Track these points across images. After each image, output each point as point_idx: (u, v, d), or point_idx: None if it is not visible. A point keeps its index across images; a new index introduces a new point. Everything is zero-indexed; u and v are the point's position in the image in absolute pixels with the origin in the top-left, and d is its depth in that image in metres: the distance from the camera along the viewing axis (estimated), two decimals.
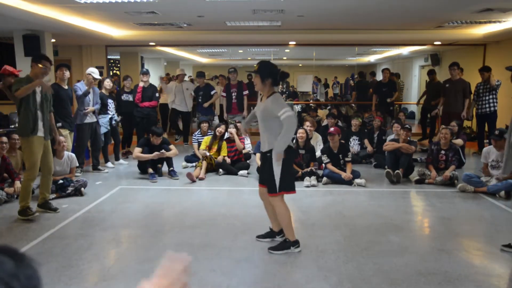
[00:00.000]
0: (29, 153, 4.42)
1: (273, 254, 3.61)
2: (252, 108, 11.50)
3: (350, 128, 7.98)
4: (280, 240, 3.77)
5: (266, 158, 3.58)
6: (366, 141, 7.69)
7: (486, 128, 8.45)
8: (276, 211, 3.66)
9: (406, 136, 6.54)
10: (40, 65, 4.38)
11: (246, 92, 8.77)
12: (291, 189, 3.63)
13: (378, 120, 8.00)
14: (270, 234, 3.87)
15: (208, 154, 6.82)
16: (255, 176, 6.49)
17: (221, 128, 7.04)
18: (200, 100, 8.88)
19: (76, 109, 6.64)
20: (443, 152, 6.29)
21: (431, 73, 10.11)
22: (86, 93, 6.45)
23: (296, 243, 3.67)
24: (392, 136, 7.40)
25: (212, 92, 8.99)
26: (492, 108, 8.09)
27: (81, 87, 6.49)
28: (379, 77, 15.82)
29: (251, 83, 12.98)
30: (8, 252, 0.72)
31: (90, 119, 6.65)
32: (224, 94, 8.85)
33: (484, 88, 8.16)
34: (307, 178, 6.12)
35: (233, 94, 8.69)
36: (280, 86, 17.46)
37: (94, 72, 6.61)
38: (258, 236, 3.91)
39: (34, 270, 0.73)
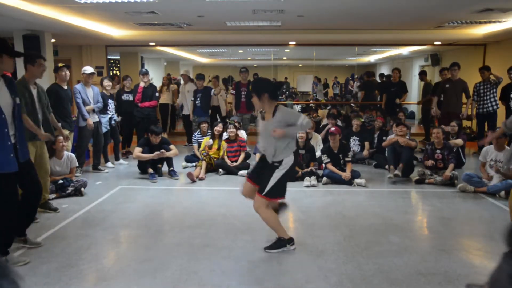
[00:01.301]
0: None
1: (271, 254, 3.61)
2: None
3: (350, 128, 7.95)
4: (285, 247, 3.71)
5: (270, 166, 3.56)
6: (366, 144, 7.66)
7: (486, 128, 8.44)
8: (261, 215, 3.62)
9: (404, 133, 6.58)
10: (36, 65, 4.25)
11: None
12: (277, 196, 3.61)
13: (380, 121, 8.00)
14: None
15: (212, 140, 6.91)
16: None
17: (219, 127, 7.05)
18: (198, 102, 8.81)
19: (77, 112, 6.63)
20: (438, 151, 6.31)
21: (420, 74, 10.19)
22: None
23: (291, 241, 3.70)
24: (391, 136, 7.40)
25: (212, 92, 9.08)
26: (494, 107, 8.06)
27: (80, 89, 6.50)
28: (377, 77, 15.88)
29: None
30: None
31: (92, 119, 6.65)
32: (233, 92, 8.86)
33: (484, 88, 8.15)
34: (307, 178, 6.12)
35: (243, 93, 8.69)
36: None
37: (86, 69, 6.64)
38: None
39: (16, 287, 0.72)
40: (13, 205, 3.35)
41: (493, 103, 8.08)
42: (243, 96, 8.68)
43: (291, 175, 3.71)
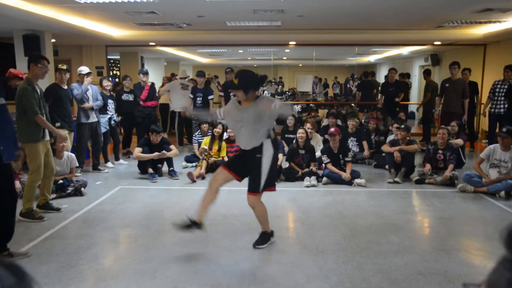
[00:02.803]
0: (34, 157, 4.38)
1: (271, 254, 3.61)
2: None
3: (346, 129, 7.87)
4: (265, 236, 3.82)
5: (255, 160, 3.52)
6: (364, 143, 7.64)
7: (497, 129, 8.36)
8: (257, 211, 3.66)
9: (403, 137, 6.51)
10: (39, 66, 4.33)
11: None
12: (273, 185, 3.63)
13: (373, 122, 8.00)
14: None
15: (206, 148, 6.85)
16: None
17: (218, 128, 7.04)
18: (200, 101, 8.73)
19: (77, 109, 6.66)
20: (440, 151, 6.30)
21: (424, 73, 10.19)
22: (85, 90, 6.57)
23: (272, 233, 3.83)
24: (392, 137, 7.39)
25: (210, 97, 8.78)
26: (506, 109, 8.00)
27: (77, 87, 6.52)
28: (379, 77, 15.90)
29: None
30: (10, 268, 0.72)
31: (91, 118, 6.66)
32: (222, 94, 8.78)
33: (501, 87, 8.07)
34: (307, 178, 6.12)
35: (232, 93, 8.61)
36: (277, 86, 17.50)
37: (82, 70, 6.66)
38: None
39: None
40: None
41: (506, 105, 7.98)
42: (231, 96, 8.59)
43: (276, 164, 3.63)
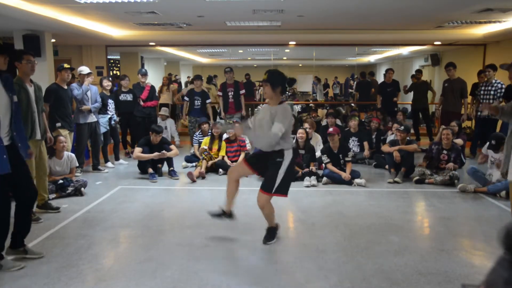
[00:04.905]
0: None
1: (271, 254, 3.61)
2: (250, 108, 11.42)
3: (348, 129, 7.85)
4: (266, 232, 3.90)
5: (274, 163, 3.61)
6: (365, 144, 7.62)
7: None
8: (265, 211, 3.75)
9: (403, 137, 6.51)
10: (24, 62, 4.13)
11: (243, 92, 8.62)
12: (285, 193, 3.68)
13: (376, 121, 7.99)
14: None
15: (206, 147, 6.86)
16: (255, 176, 6.47)
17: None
18: (198, 104, 8.60)
19: (75, 109, 6.65)
20: (445, 152, 6.29)
21: (416, 72, 10.19)
22: (85, 90, 6.55)
23: (278, 227, 3.91)
24: (392, 137, 7.39)
25: (207, 101, 8.60)
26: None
27: (77, 87, 6.53)
28: (379, 77, 15.89)
29: (248, 82, 12.95)
30: None
31: (90, 118, 6.66)
32: (220, 94, 8.70)
33: (485, 89, 8.02)
34: (307, 178, 6.12)
35: (230, 93, 8.55)
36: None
37: (82, 70, 6.66)
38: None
39: None
40: (4, 208, 3.28)
41: None
42: (230, 96, 8.53)
43: (293, 172, 3.76)
